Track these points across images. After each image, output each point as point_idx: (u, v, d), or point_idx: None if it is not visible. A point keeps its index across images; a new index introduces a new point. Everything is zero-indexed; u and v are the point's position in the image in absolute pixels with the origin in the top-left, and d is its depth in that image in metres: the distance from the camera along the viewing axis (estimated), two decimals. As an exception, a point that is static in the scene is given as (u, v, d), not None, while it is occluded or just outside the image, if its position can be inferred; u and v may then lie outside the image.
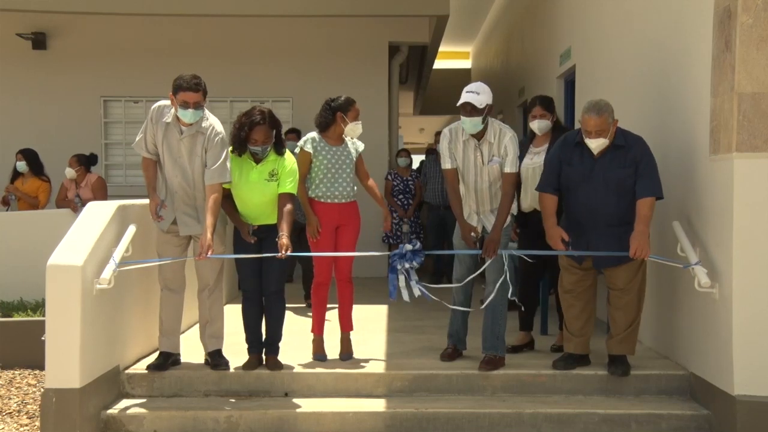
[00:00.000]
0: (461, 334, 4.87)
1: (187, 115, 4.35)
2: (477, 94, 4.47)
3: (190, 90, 4.29)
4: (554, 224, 4.48)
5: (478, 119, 4.49)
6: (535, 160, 4.91)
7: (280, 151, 4.56)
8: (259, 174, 4.51)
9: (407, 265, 4.52)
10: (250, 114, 4.47)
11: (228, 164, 4.47)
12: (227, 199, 4.57)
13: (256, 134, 4.43)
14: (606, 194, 4.39)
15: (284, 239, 4.37)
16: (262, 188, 4.51)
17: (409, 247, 4.55)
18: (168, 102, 4.46)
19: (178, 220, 4.53)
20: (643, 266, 4.48)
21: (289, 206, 4.50)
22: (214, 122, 4.50)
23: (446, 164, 4.68)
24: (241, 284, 4.76)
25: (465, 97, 4.47)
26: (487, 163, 4.59)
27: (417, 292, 4.54)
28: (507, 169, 4.57)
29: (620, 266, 4.45)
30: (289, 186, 4.53)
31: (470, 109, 4.46)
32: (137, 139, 4.53)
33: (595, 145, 4.37)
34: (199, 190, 4.50)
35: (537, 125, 4.95)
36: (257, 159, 4.53)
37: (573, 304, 4.65)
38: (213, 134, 4.44)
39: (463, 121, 4.53)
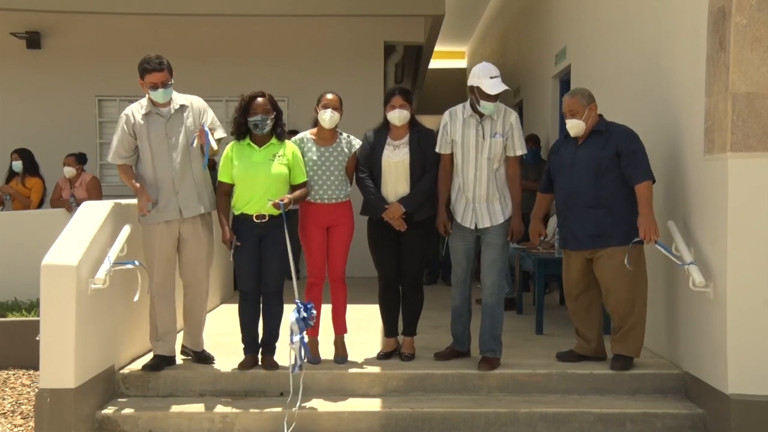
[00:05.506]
0: (462, 338, 4.85)
1: (159, 95, 4.50)
2: (500, 77, 4.53)
3: (155, 70, 4.44)
4: (536, 220, 4.88)
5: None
6: (396, 153, 4.72)
7: (280, 136, 4.62)
8: (263, 155, 4.56)
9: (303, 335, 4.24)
10: (252, 92, 4.62)
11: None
12: (224, 198, 4.61)
13: (256, 105, 4.53)
14: (585, 176, 4.52)
15: (286, 199, 4.47)
16: (267, 168, 4.54)
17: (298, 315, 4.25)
18: (135, 103, 4.63)
19: (181, 206, 4.56)
20: (627, 265, 4.40)
21: (304, 189, 4.65)
22: (193, 98, 4.70)
23: (442, 149, 4.69)
24: (239, 284, 4.75)
25: (499, 85, 4.49)
26: (490, 138, 4.58)
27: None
28: (513, 153, 4.63)
29: (604, 261, 4.49)
30: (301, 176, 4.65)
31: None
32: (112, 150, 4.62)
33: (570, 125, 4.58)
34: (196, 161, 4.60)
35: (397, 115, 4.68)
36: (259, 137, 4.55)
37: (575, 311, 4.77)
38: (197, 103, 4.67)
39: (485, 107, 4.52)
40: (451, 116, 4.67)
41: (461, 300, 4.76)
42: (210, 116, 4.70)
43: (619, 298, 4.52)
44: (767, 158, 3.94)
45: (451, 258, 4.82)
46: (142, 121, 4.55)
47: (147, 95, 4.57)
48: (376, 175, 4.76)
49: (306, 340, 4.26)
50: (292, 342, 4.20)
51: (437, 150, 4.71)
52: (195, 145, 4.56)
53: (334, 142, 4.81)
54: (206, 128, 4.54)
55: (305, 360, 4.28)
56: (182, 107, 4.61)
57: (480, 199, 4.62)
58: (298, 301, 4.28)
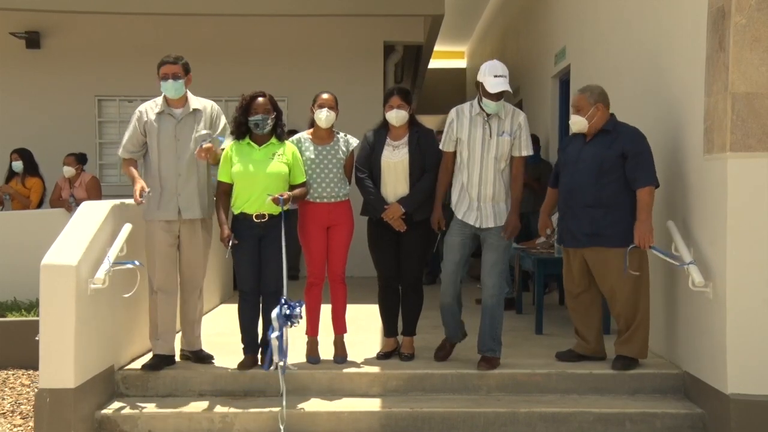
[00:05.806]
0: (455, 331, 4.84)
1: (168, 87, 4.56)
2: (506, 77, 4.50)
3: (168, 63, 4.57)
4: (544, 215, 4.95)
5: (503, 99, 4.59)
6: (396, 153, 4.72)
7: (280, 136, 4.63)
8: (263, 154, 4.57)
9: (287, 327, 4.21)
10: (252, 91, 4.66)
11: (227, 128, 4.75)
12: (223, 197, 4.61)
13: (257, 105, 4.55)
14: (587, 175, 4.51)
15: (286, 194, 4.46)
16: (266, 166, 4.54)
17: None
18: (151, 101, 4.69)
19: (180, 207, 4.58)
20: (626, 271, 4.41)
21: (304, 188, 4.65)
22: (208, 103, 4.74)
23: (445, 146, 4.68)
24: (238, 284, 4.75)
25: (501, 84, 4.46)
26: (497, 136, 4.57)
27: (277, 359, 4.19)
28: (518, 153, 4.61)
29: (606, 268, 4.49)
30: (301, 176, 4.65)
31: (504, 94, 4.53)
32: (121, 144, 4.70)
33: (572, 121, 4.59)
34: (202, 166, 4.64)
35: (395, 115, 4.68)
36: (259, 137, 4.56)
37: (574, 309, 4.77)
38: (211, 109, 4.71)
39: (487, 104, 4.52)
40: (457, 114, 4.66)
41: (451, 298, 4.70)
42: (222, 123, 4.73)
43: (624, 301, 4.51)
44: (767, 158, 3.95)
45: (444, 253, 4.77)
46: (154, 120, 4.60)
47: (163, 94, 4.63)
48: (375, 176, 4.76)
49: (285, 337, 4.22)
50: (268, 337, 4.21)
51: (441, 147, 4.70)
52: (195, 153, 4.53)
53: (332, 141, 4.81)
54: (218, 137, 4.59)
55: (285, 358, 4.22)
56: (195, 111, 4.65)
57: (485, 199, 4.61)
58: (284, 298, 4.28)
